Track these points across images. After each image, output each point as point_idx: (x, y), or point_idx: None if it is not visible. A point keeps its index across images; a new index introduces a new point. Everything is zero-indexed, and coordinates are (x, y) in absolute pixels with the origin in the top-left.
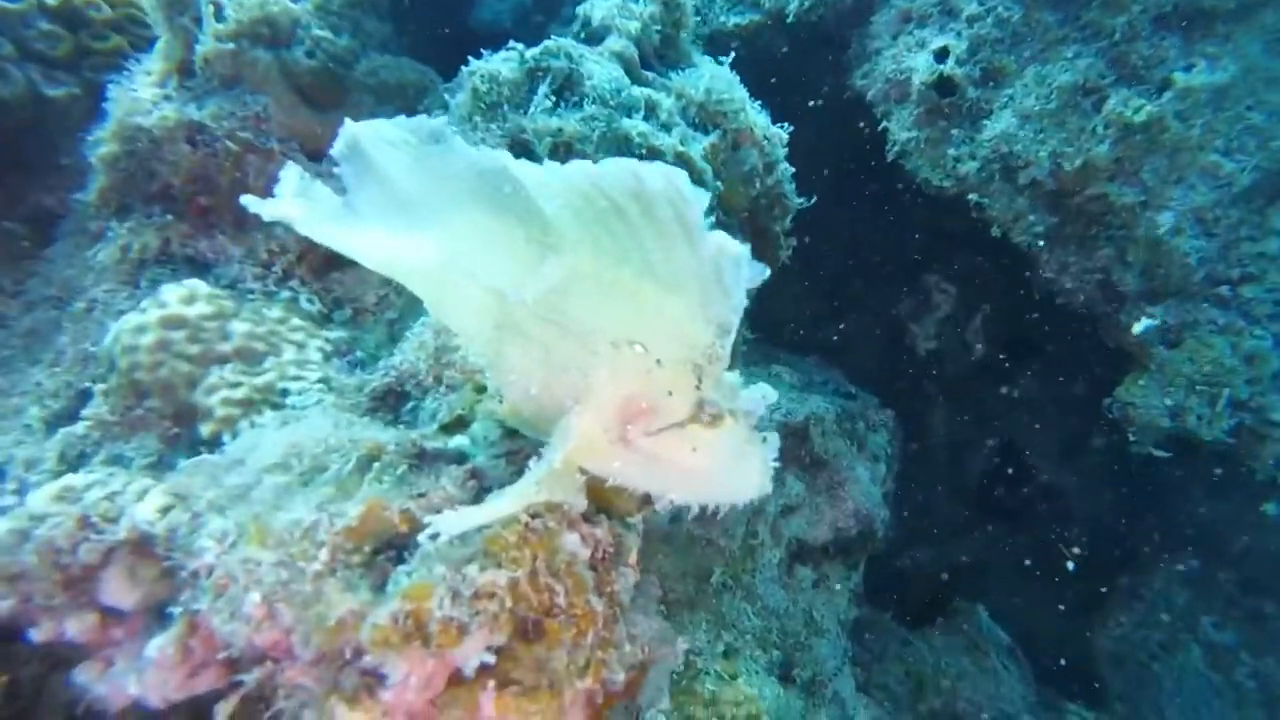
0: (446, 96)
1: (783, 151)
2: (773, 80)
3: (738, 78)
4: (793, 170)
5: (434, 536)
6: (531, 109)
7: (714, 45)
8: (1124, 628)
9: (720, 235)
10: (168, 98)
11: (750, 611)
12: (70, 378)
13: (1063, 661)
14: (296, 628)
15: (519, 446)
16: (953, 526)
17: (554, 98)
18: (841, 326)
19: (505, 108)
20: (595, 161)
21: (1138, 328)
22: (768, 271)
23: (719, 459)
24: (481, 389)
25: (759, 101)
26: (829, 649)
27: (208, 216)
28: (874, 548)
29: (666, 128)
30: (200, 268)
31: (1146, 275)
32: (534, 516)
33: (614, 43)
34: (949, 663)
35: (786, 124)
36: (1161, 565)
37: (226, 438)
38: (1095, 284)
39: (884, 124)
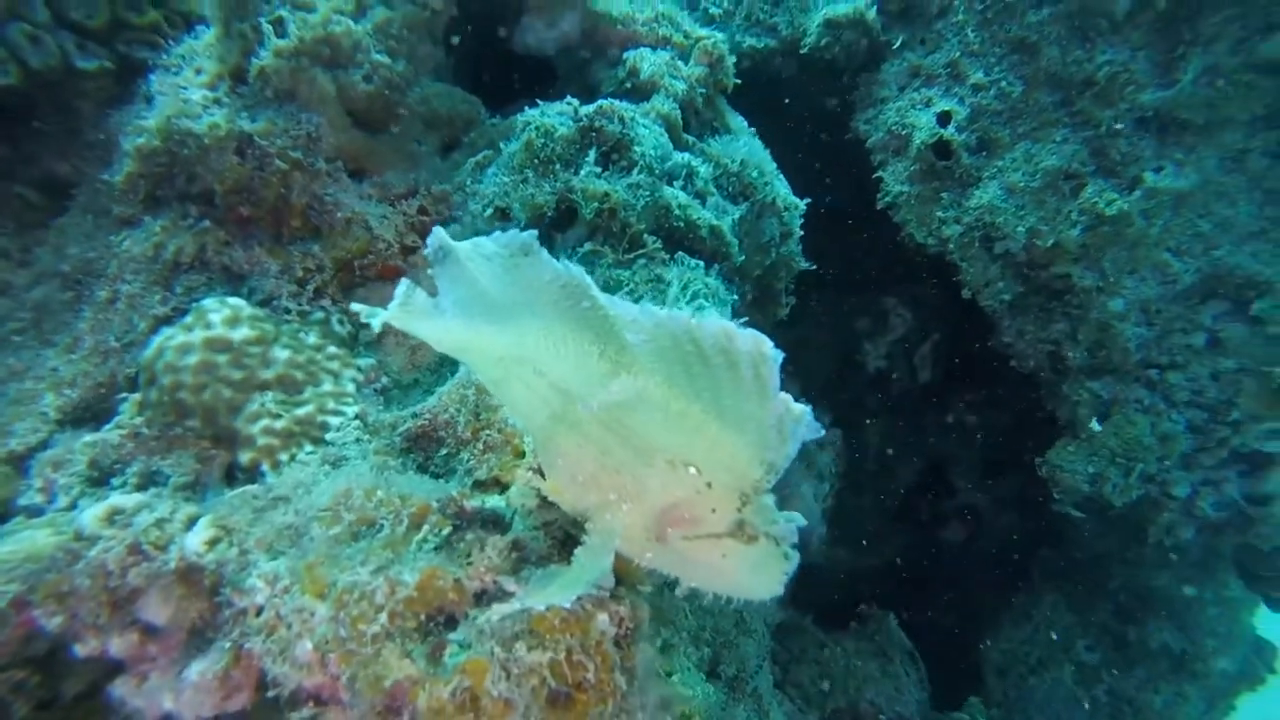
0: (501, 144)
1: (799, 221)
2: (774, 97)
3: (761, 144)
4: (800, 233)
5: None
6: (582, 170)
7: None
8: (1011, 642)
9: (786, 397)
10: (218, 102)
11: (688, 610)
12: (89, 367)
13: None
14: (350, 681)
15: (554, 518)
16: (873, 532)
17: (603, 163)
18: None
19: (557, 165)
20: (638, 220)
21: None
22: (823, 431)
23: (744, 566)
24: (520, 454)
25: (776, 165)
26: (754, 648)
27: (246, 227)
28: (806, 559)
29: (701, 197)
30: (235, 278)
31: (1091, 353)
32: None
33: (660, 104)
34: (858, 666)
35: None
36: (1051, 590)
37: (265, 466)
38: (1046, 354)
39: (880, 173)
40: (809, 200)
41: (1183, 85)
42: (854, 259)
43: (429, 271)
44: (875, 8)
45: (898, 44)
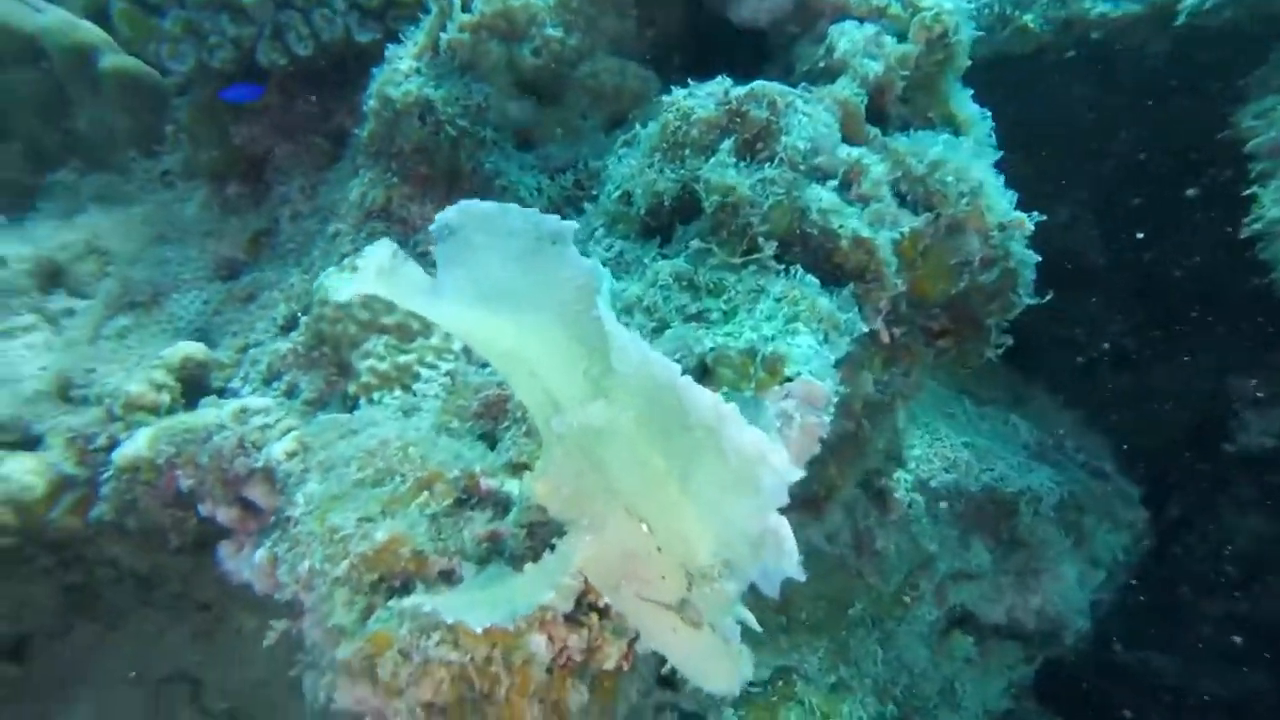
0: (638, 126)
1: (1019, 244)
2: (1132, 80)
3: (991, 139)
4: (1036, 259)
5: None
6: (714, 158)
7: (1068, 32)
8: None
9: (781, 523)
10: (418, 72)
11: (880, 657)
12: (310, 287)
13: None
14: (311, 610)
15: (546, 519)
16: (1210, 654)
17: (746, 152)
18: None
19: (688, 150)
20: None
21: None
22: (792, 573)
23: (692, 650)
24: None
25: (1002, 179)
26: None
27: (425, 185)
28: (1058, 652)
29: (864, 200)
30: (410, 229)
31: None
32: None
33: (841, 88)
34: None
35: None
36: None
37: (363, 402)
38: None
39: (1254, 188)
40: (1039, 217)
41: None
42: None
43: (431, 248)
44: None
45: None
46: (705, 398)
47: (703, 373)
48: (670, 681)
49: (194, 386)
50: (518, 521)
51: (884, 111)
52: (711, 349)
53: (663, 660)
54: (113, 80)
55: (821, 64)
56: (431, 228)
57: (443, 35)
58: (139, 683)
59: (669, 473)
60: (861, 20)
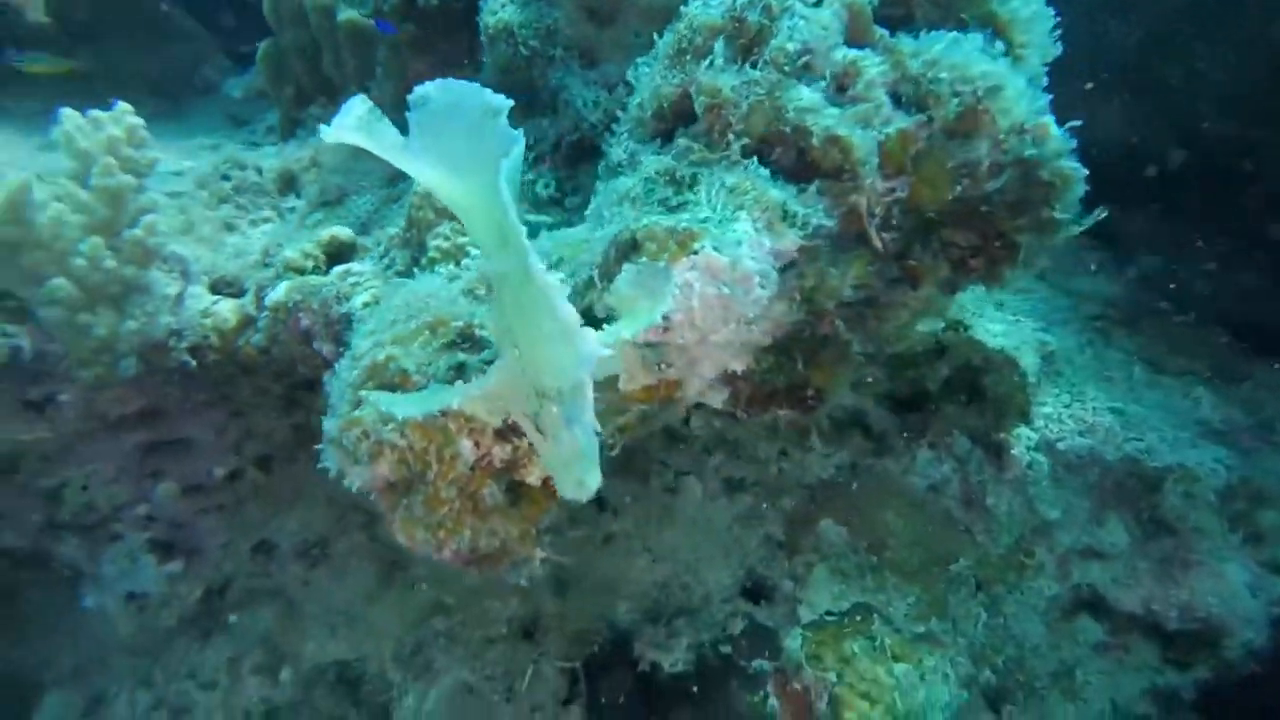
0: (656, 36)
1: (1043, 151)
2: None
3: (1045, 40)
4: (1083, 172)
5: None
6: (707, 62)
7: None
8: None
9: (585, 379)
10: (512, 1)
11: (984, 621)
12: None
13: None
14: (331, 407)
15: None
16: None
17: (737, 57)
18: None
19: (689, 56)
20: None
21: None
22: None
23: (547, 455)
24: None
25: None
26: (1071, 715)
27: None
28: (1218, 667)
29: (855, 101)
30: None
31: None
32: (443, 414)
33: None
34: None
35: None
36: None
37: (425, 272)
38: None
39: None
40: (1075, 123)
41: None
42: None
43: (407, 114)
44: None
45: None
46: (538, 267)
47: (632, 246)
48: (752, 594)
49: (336, 259)
50: (483, 359)
51: (911, 14)
52: (644, 225)
53: (748, 573)
54: (344, 30)
55: None
56: (410, 97)
57: None
58: (332, 507)
59: (534, 309)
60: None
